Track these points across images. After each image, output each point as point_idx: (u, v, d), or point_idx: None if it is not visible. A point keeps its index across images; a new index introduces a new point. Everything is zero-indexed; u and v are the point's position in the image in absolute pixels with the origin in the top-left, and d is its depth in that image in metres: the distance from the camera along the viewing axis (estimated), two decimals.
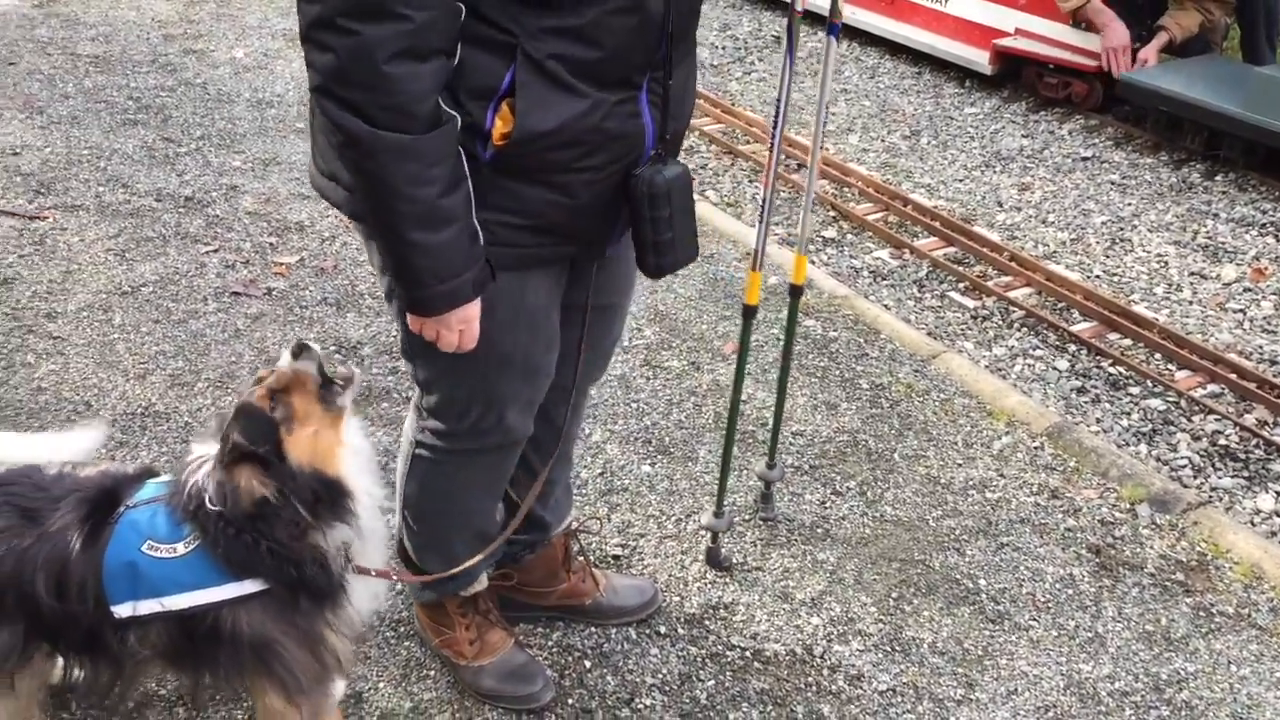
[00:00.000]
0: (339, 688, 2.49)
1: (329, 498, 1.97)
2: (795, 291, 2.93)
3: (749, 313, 2.81)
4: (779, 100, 2.48)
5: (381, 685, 2.58)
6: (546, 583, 2.77)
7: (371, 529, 2.09)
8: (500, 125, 1.81)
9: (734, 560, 3.02)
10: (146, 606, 1.96)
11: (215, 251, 4.42)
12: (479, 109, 1.80)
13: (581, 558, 2.81)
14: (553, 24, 1.76)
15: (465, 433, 2.24)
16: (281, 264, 4.37)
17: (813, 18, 8.17)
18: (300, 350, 2.00)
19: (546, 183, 1.90)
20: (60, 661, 2.17)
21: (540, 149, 1.84)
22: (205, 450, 1.98)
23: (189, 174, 5.07)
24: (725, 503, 3.00)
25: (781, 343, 4.02)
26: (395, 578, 2.20)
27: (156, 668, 2.15)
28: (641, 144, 1.96)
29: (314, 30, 1.68)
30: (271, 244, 4.52)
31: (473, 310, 1.92)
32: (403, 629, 2.73)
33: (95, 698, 2.17)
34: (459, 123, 1.77)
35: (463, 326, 1.93)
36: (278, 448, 1.92)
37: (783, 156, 6.18)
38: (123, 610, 1.97)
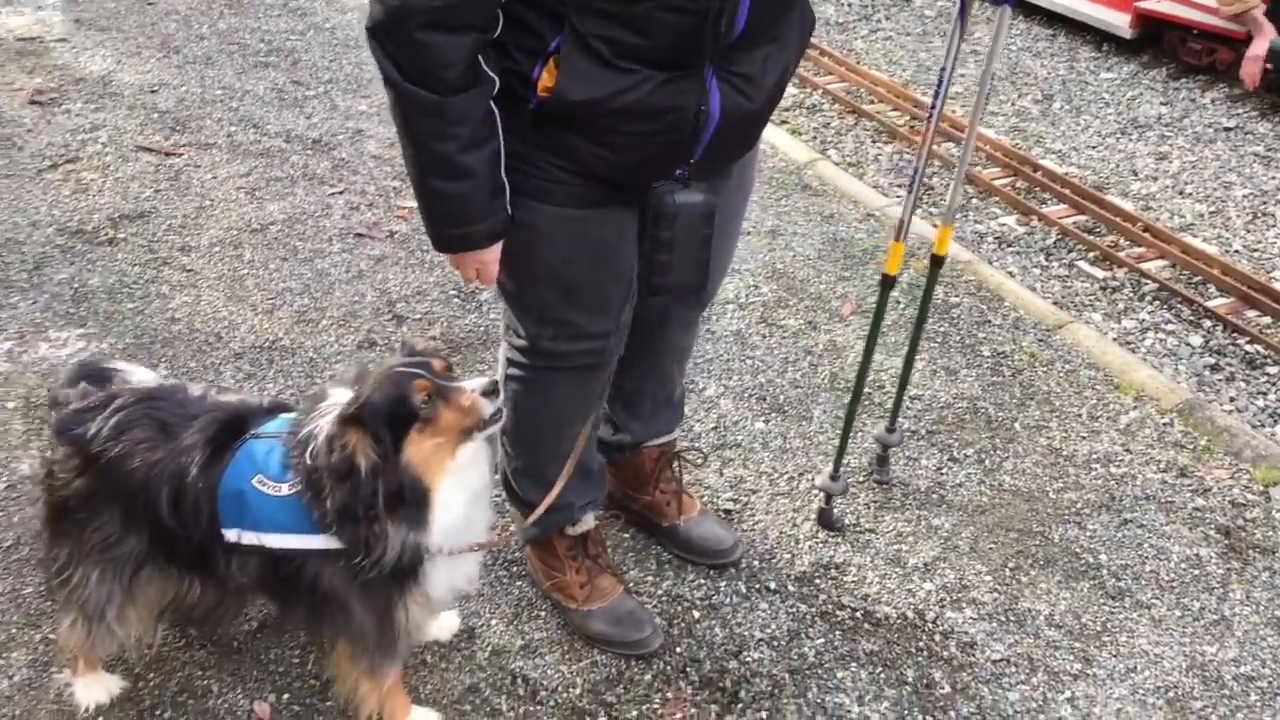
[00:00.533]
0: (450, 622, 2.57)
1: (412, 501, 1.94)
2: (936, 261, 2.84)
3: (887, 282, 2.74)
4: (943, 70, 2.38)
5: (494, 622, 2.62)
6: (633, 487, 2.85)
7: (451, 542, 2.05)
8: (546, 78, 1.86)
9: (846, 522, 2.99)
10: (248, 538, 2.03)
11: (340, 193, 4.50)
12: (527, 61, 1.86)
13: (674, 483, 2.82)
14: (602, 6, 1.79)
15: (545, 350, 2.28)
16: (404, 208, 4.42)
17: None
18: (493, 390, 1.99)
19: (591, 138, 1.94)
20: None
21: (583, 114, 1.89)
22: (340, 398, 1.99)
23: (316, 117, 5.15)
24: (841, 465, 2.96)
25: (902, 305, 3.96)
26: (478, 547, 2.14)
27: (255, 595, 2.22)
28: (703, 117, 1.94)
29: None
30: (394, 188, 4.57)
31: (486, 255, 2.03)
32: (515, 569, 2.76)
33: (204, 617, 2.25)
34: (495, 86, 1.85)
35: (478, 266, 2.05)
36: (401, 436, 1.91)
37: (914, 123, 6.05)
38: (230, 535, 2.03)
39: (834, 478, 2.94)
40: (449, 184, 1.89)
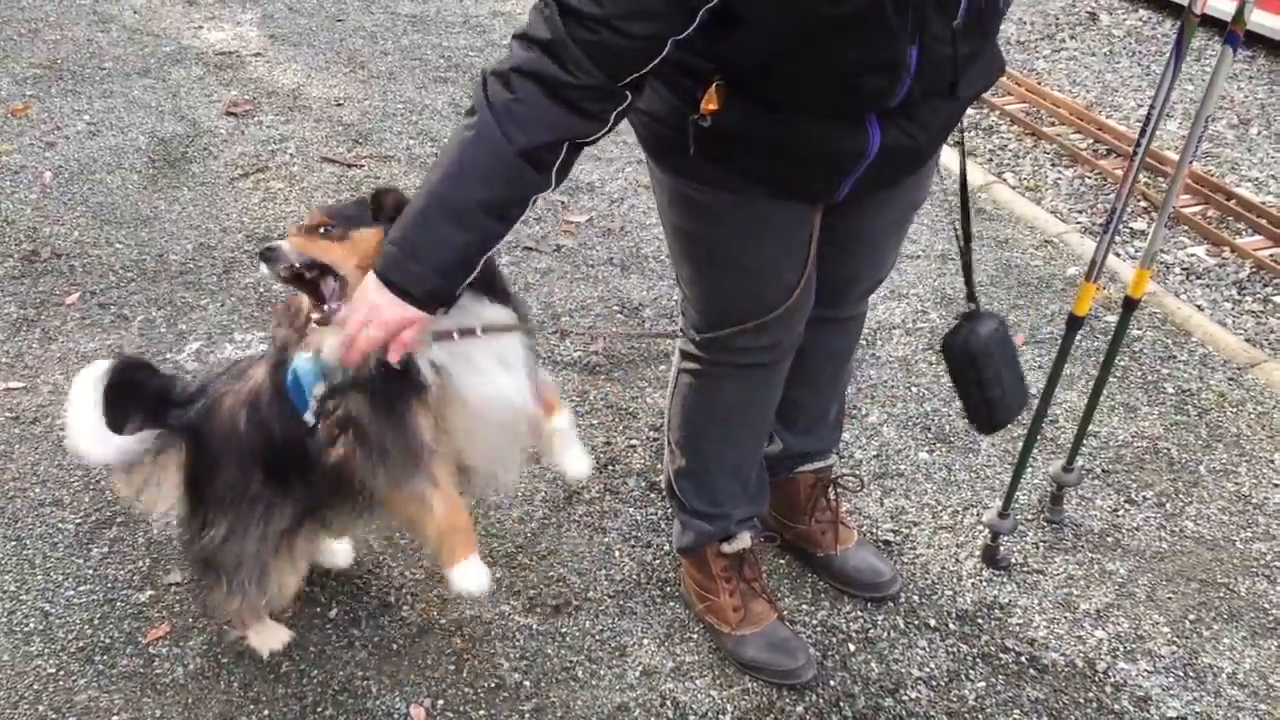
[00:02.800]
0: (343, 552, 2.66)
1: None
2: (1130, 304, 2.65)
3: (1074, 324, 2.61)
4: (1152, 107, 2.24)
5: (646, 641, 2.60)
6: (787, 516, 2.80)
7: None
8: (708, 102, 1.86)
9: (1013, 561, 2.87)
10: (312, 402, 2.12)
11: None
12: (692, 84, 1.88)
13: (829, 511, 2.77)
14: (759, 68, 1.81)
15: (720, 347, 2.29)
16: (571, 222, 4.48)
17: (1152, 2, 7.63)
18: (268, 255, 2.03)
19: (759, 154, 1.95)
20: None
21: (743, 138, 1.91)
22: None
23: None
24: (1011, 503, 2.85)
25: (1079, 338, 3.78)
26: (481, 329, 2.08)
27: (345, 468, 2.19)
28: (860, 154, 1.93)
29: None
30: (562, 202, 4.64)
31: (404, 316, 1.83)
32: (669, 589, 2.74)
33: (332, 518, 2.34)
34: (535, 203, 1.84)
35: (387, 325, 1.84)
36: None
37: (1097, 146, 5.81)
38: (308, 417, 2.14)
39: (1003, 515, 2.83)
40: (442, 222, 1.80)
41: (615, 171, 4.88)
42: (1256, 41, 7.02)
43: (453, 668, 2.52)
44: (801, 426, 2.70)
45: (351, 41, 6.29)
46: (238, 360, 2.43)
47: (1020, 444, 2.81)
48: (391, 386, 2.05)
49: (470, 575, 2.18)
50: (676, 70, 1.87)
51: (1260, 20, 6.94)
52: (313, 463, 2.22)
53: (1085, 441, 3.31)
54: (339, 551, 2.73)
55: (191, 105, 5.34)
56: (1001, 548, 2.86)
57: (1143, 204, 5.31)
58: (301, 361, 2.19)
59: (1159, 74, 6.70)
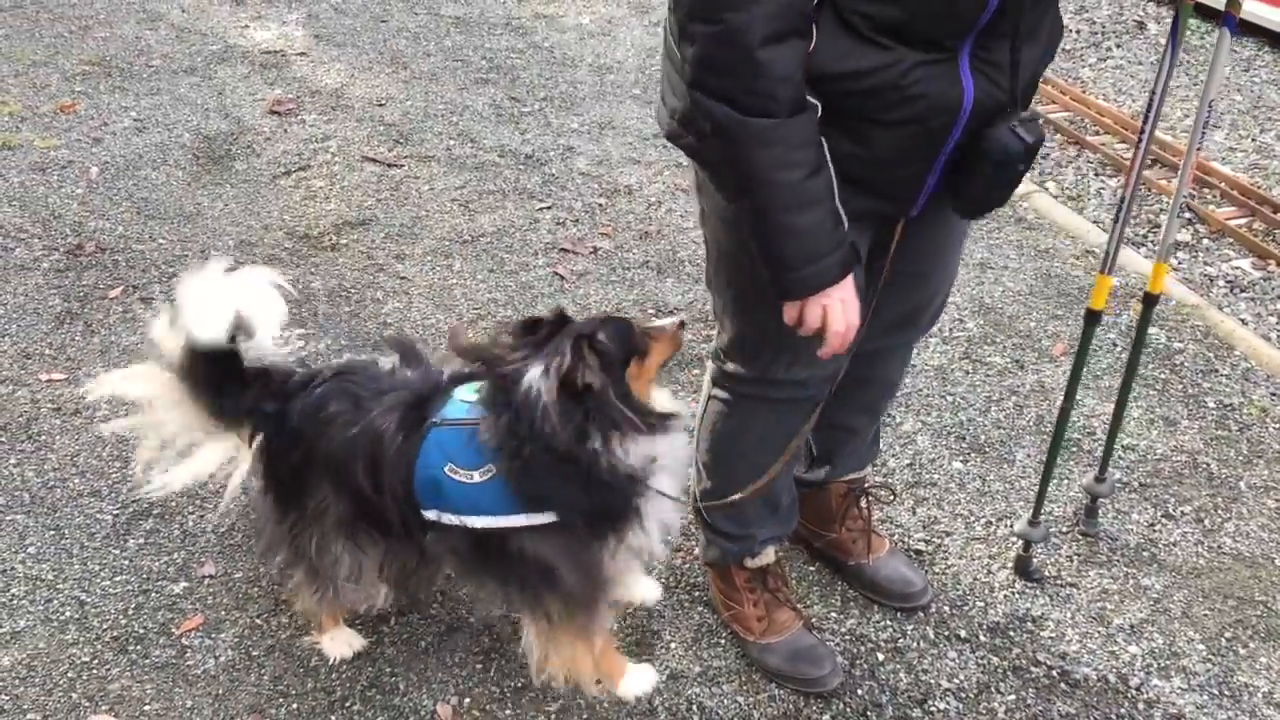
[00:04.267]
0: (651, 590, 2.68)
1: (649, 413, 2.09)
2: (1149, 300, 2.66)
3: (1092, 318, 2.56)
4: (1152, 95, 2.24)
5: (673, 645, 2.60)
6: (818, 525, 2.79)
7: (674, 458, 2.18)
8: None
9: (1046, 573, 2.84)
10: (448, 519, 2.14)
11: (549, 209, 4.60)
12: None
13: (861, 520, 2.75)
14: None
15: (755, 378, 2.25)
16: (609, 225, 4.48)
17: (1201, 10, 7.58)
18: (683, 325, 2.23)
19: (844, 128, 1.85)
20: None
21: (836, 93, 1.80)
22: (535, 377, 2.03)
23: (530, 133, 5.29)
24: (1043, 512, 2.82)
25: (1118, 349, 3.75)
26: (682, 499, 2.24)
27: (451, 565, 2.34)
28: (955, 109, 1.84)
29: (686, 23, 1.72)
30: (600, 204, 4.65)
31: (840, 292, 1.90)
32: (697, 594, 2.74)
33: (401, 579, 2.39)
34: (819, 110, 1.78)
35: (826, 305, 1.90)
36: (623, 368, 2.07)
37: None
38: (430, 515, 2.16)
39: (1033, 523, 2.80)
40: (798, 217, 1.81)
41: (654, 175, 4.88)
42: None
43: (480, 666, 2.53)
44: (849, 450, 2.68)
45: (395, 42, 6.34)
46: (354, 364, 2.35)
47: (1050, 449, 2.77)
48: (588, 534, 2.13)
49: (641, 682, 2.46)
50: None
51: None
52: (415, 542, 2.25)
53: (1125, 455, 3.28)
54: (646, 589, 2.70)
55: (236, 103, 5.40)
56: (1035, 559, 2.84)
57: (1187, 215, 5.24)
58: (445, 437, 2.14)
59: (1194, 78, 6.62)
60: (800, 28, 1.71)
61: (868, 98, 1.82)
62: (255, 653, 2.54)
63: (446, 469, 2.11)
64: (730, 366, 2.30)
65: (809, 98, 1.77)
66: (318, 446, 2.20)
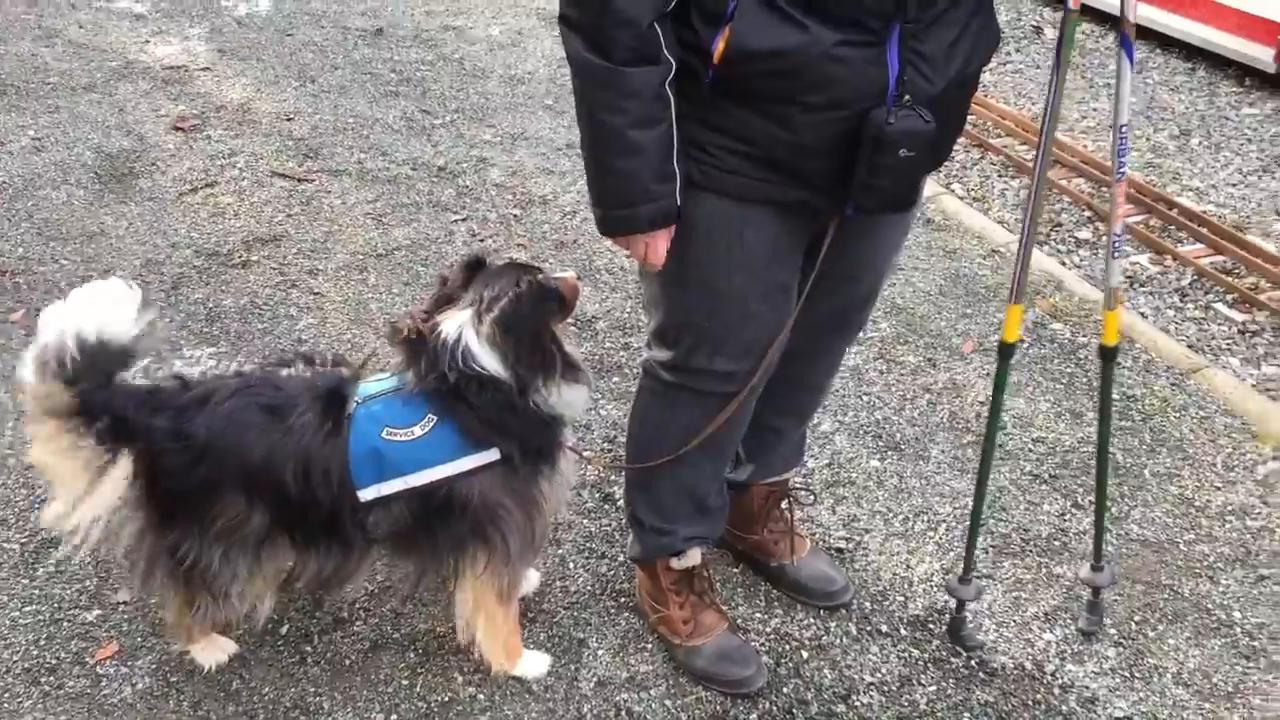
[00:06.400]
0: (534, 578, 2.74)
1: (569, 363, 2.23)
2: (1107, 354, 2.48)
3: (1006, 351, 2.41)
4: (1044, 122, 2.18)
5: (600, 653, 2.61)
6: (741, 527, 2.81)
7: (581, 408, 2.37)
8: (722, 46, 1.85)
9: (980, 641, 2.68)
10: (391, 486, 2.18)
11: (463, 220, 4.58)
12: (707, 30, 1.86)
13: (783, 522, 2.78)
14: None
15: (679, 366, 2.28)
16: (524, 236, 4.48)
17: (1091, 13, 7.76)
18: (578, 278, 2.33)
19: (766, 112, 1.91)
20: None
21: (757, 73, 1.86)
22: (451, 321, 2.17)
23: (443, 145, 5.27)
24: (973, 567, 2.67)
25: (1025, 344, 3.84)
26: (585, 454, 2.41)
27: (383, 553, 2.38)
28: (875, 92, 1.87)
29: None
30: (515, 215, 4.64)
31: (646, 239, 2.03)
32: (623, 600, 2.75)
33: (328, 581, 2.37)
34: (671, 69, 1.87)
35: (646, 244, 2.05)
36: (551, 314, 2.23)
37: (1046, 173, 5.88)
38: (367, 494, 2.19)
39: (963, 580, 2.62)
40: (617, 160, 1.92)
41: (568, 185, 4.89)
42: (1197, 54, 7.17)
43: (406, 682, 2.51)
44: (775, 454, 2.71)
45: (301, 56, 6.26)
46: (253, 377, 2.33)
47: (975, 459, 2.84)
48: (530, 469, 2.27)
49: (538, 666, 2.54)
50: (691, 21, 1.86)
51: (1196, 32, 7.09)
52: (343, 537, 2.26)
53: (1034, 448, 3.37)
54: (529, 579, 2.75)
55: (138, 120, 5.28)
56: (969, 620, 2.69)
57: (1087, 214, 5.40)
58: (371, 411, 2.20)
59: (1102, 85, 6.83)
60: None
61: (788, 78, 1.85)
62: (174, 679, 2.49)
63: (384, 434, 2.16)
64: (657, 353, 2.32)
65: (665, 55, 1.85)
66: (233, 461, 2.17)
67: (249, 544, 2.25)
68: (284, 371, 2.34)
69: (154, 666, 2.52)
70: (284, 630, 2.61)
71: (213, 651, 2.51)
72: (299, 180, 4.83)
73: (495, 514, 2.25)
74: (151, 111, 5.39)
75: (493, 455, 2.20)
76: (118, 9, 6.75)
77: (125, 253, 4.18)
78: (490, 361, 2.15)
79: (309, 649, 2.58)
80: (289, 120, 5.42)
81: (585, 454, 2.36)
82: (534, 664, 2.53)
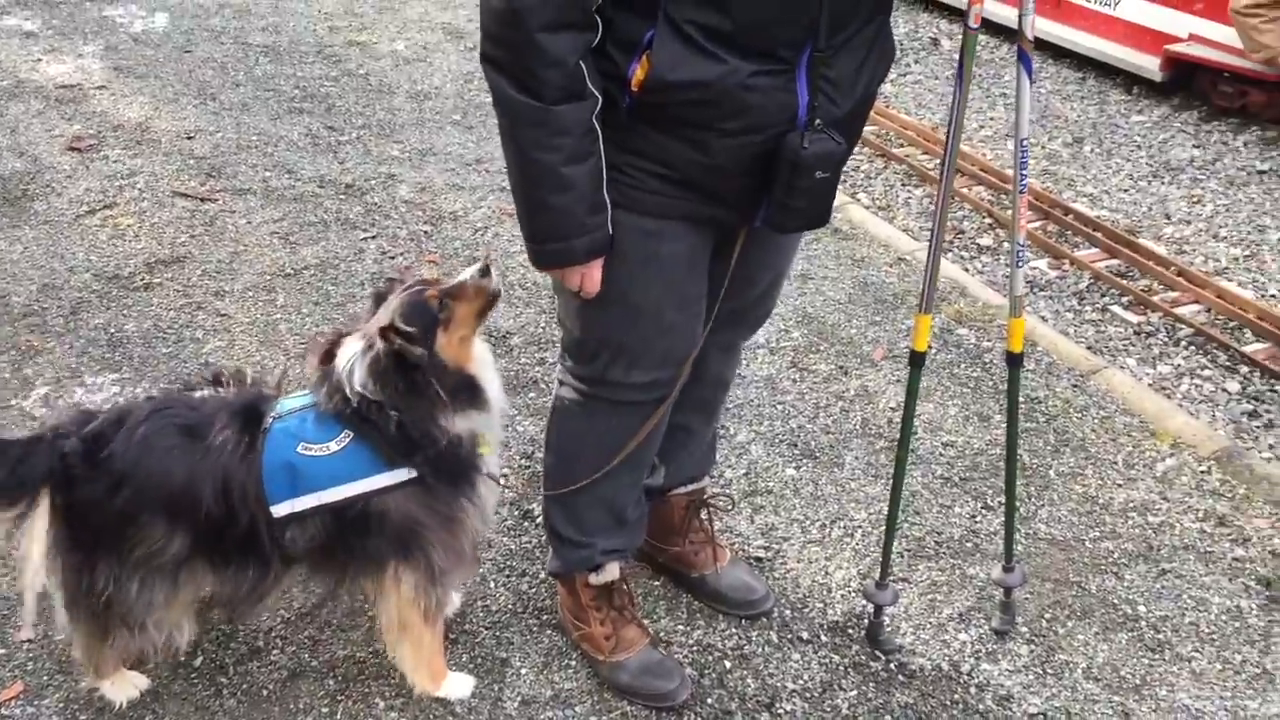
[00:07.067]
0: (455, 600, 2.69)
1: (466, 390, 2.20)
2: (1013, 360, 2.55)
3: (917, 359, 2.47)
4: (949, 137, 2.23)
5: (524, 671, 2.59)
6: (662, 539, 2.82)
7: (496, 429, 2.34)
8: (639, 73, 1.88)
9: (898, 645, 2.73)
10: (305, 502, 2.16)
11: (373, 238, 4.53)
12: (623, 59, 1.89)
13: (703, 532, 2.80)
14: None
15: (596, 379, 2.29)
16: (434, 253, 4.45)
17: (986, 24, 8.00)
18: (486, 271, 2.23)
19: (683, 137, 1.96)
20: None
21: (675, 102, 1.90)
22: (345, 349, 2.18)
23: (350, 162, 5.21)
24: (890, 572, 2.71)
25: (932, 349, 3.92)
26: (501, 482, 2.39)
27: (301, 570, 2.33)
28: (787, 117, 1.94)
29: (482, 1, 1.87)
30: (425, 232, 4.61)
31: (588, 270, 2.05)
32: (545, 617, 2.74)
33: (245, 599, 2.31)
34: (598, 103, 1.89)
35: (582, 274, 2.07)
36: (431, 337, 2.15)
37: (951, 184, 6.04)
38: (280, 509, 2.16)
39: (880, 585, 2.66)
40: (551, 196, 1.94)
41: (479, 200, 4.87)
42: (1087, 64, 7.42)
43: (326, 710, 2.47)
44: (686, 454, 2.72)
45: (201, 73, 6.14)
46: (165, 399, 2.30)
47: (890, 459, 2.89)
48: (450, 489, 2.24)
49: (461, 687, 2.51)
50: (608, 51, 1.89)
51: (1086, 43, 7.34)
52: (262, 554, 2.21)
53: (944, 451, 3.44)
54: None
55: (32, 141, 5.13)
56: (886, 624, 2.73)
57: (988, 221, 5.55)
58: (287, 425, 2.17)
59: (998, 94, 7.02)
60: (580, 21, 1.84)
61: (706, 107, 1.90)
62: (83, 717, 2.42)
63: (299, 449, 2.15)
64: (573, 366, 2.33)
65: (590, 89, 1.88)
66: (150, 486, 2.13)
67: (167, 570, 2.20)
68: (197, 393, 2.31)
69: (62, 705, 2.44)
70: (198, 662, 2.55)
71: (124, 687, 2.44)
72: (202, 200, 4.73)
73: (416, 532, 2.23)
74: (45, 132, 5.24)
75: (406, 474, 2.19)
76: (6, 26, 6.56)
77: (20, 278, 4.05)
78: (377, 392, 2.14)
79: (224, 680, 2.52)
80: (190, 139, 5.31)
81: (501, 481, 2.33)
82: (458, 685, 2.51)
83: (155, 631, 2.27)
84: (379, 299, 2.25)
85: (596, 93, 1.89)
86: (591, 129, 1.91)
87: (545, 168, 1.91)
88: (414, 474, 2.19)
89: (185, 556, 2.20)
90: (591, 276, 2.07)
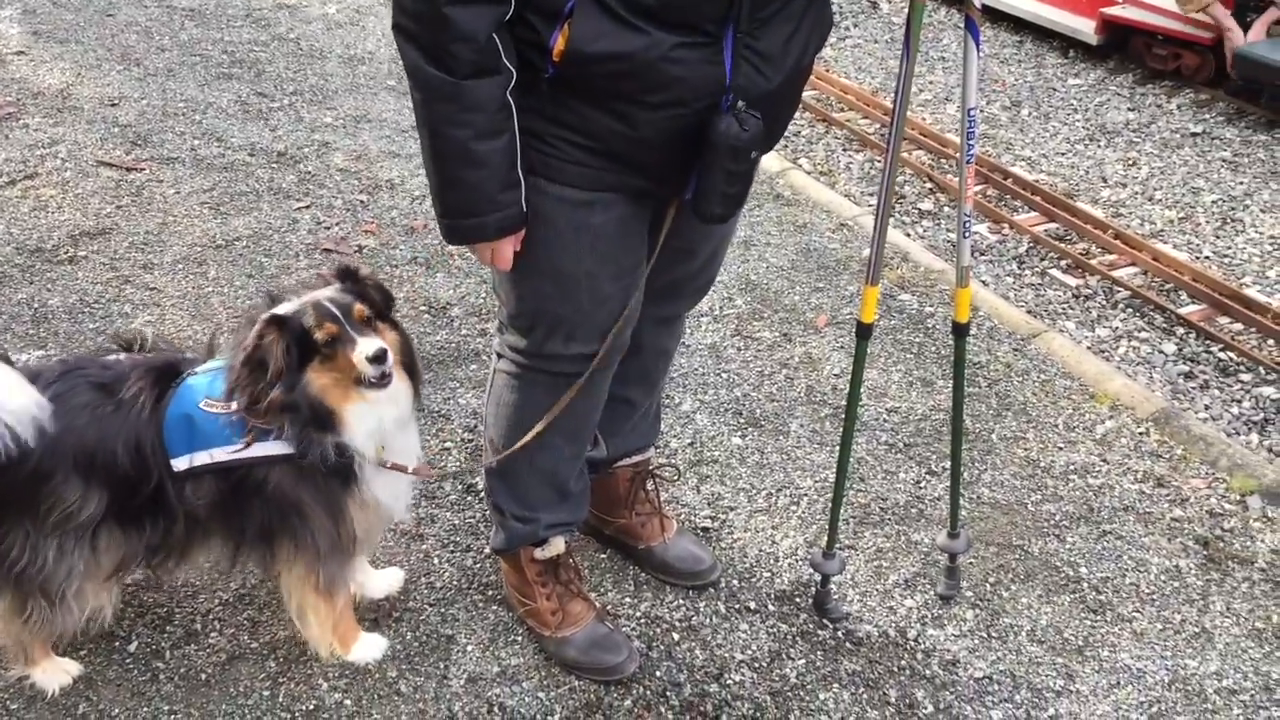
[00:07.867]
0: (396, 577, 2.69)
1: (318, 415, 2.12)
2: (959, 330, 2.55)
3: (864, 332, 2.44)
4: (895, 108, 2.21)
5: (470, 648, 2.56)
6: (607, 511, 2.80)
7: (391, 436, 2.24)
8: (561, 43, 1.84)
9: (845, 613, 2.73)
10: (199, 458, 2.15)
11: (307, 208, 4.43)
12: (545, 27, 1.85)
13: (650, 503, 2.78)
14: None
15: (535, 352, 2.26)
16: (371, 222, 4.36)
17: None
18: (378, 358, 2.10)
19: (607, 109, 1.93)
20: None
21: (596, 74, 1.87)
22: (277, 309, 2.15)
23: (281, 129, 5.08)
24: (837, 541, 2.70)
25: (884, 321, 3.92)
26: (412, 471, 2.30)
27: (210, 529, 2.28)
28: (712, 90, 1.91)
29: None
30: (361, 201, 4.51)
31: (499, 245, 2.03)
32: (490, 593, 2.70)
33: (161, 557, 2.29)
34: (512, 79, 1.86)
35: (493, 251, 2.05)
36: (306, 359, 2.10)
37: (886, 132, 6.03)
38: (180, 463, 2.15)
39: (827, 554, 2.66)
40: (462, 172, 1.91)
41: (416, 168, 4.77)
42: (1024, 27, 7.45)
43: (268, 693, 2.41)
44: (629, 426, 2.69)
45: (124, 37, 5.95)
46: (77, 360, 2.27)
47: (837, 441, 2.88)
48: (332, 477, 2.19)
49: (372, 649, 2.49)
50: (529, 19, 1.84)
51: (1022, 6, 7.36)
52: (170, 510, 2.19)
53: (889, 417, 3.45)
54: (387, 581, 2.69)
55: None
56: (834, 593, 2.74)
57: (928, 185, 5.56)
58: (198, 381, 2.15)
59: (936, 58, 7.03)
60: None
61: (628, 79, 1.87)
62: (14, 706, 2.35)
63: (201, 403, 2.13)
64: (510, 339, 2.30)
65: (505, 64, 1.84)
66: (65, 444, 2.09)
67: (84, 534, 2.15)
68: (109, 357, 2.28)
69: None
70: (132, 647, 2.49)
71: (56, 674, 2.37)
72: (127, 169, 4.59)
73: (298, 509, 2.22)
74: None
75: (281, 447, 2.15)
76: None
77: None
78: (245, 377, 2.12)
79: (160, 665, 2.46)
80: (114, 106, 5.14)
81: (410, 469, 2.29)
82: (369, 647, 2.50)
83: (76, 605, 2.22)
84: (273, 300, 2.17)
85: (512, 67, 1.85)
86: (505, 105, 1.88)
87: (457, 143, 1.88)
88: (288, 449, 2.15)
89: (101, 517, 2.15)
90: (502, 253, 2.04)
